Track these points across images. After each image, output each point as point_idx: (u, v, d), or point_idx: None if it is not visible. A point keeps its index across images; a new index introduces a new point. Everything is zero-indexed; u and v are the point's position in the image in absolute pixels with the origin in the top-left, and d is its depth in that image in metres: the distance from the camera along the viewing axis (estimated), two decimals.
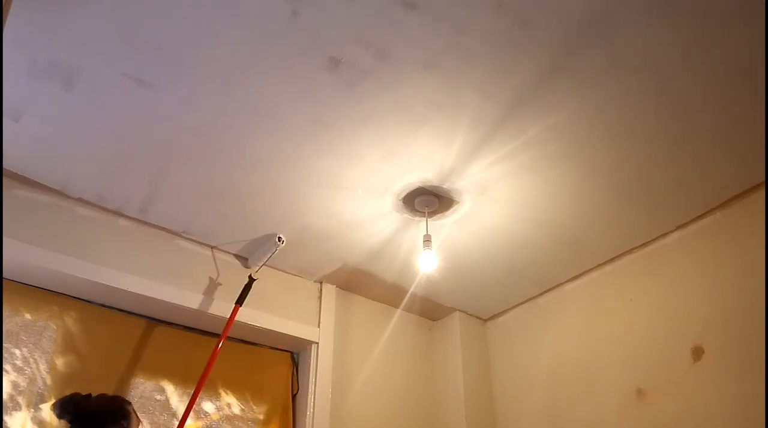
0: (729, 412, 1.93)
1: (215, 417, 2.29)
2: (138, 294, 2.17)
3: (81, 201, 2.17)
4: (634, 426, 2.19)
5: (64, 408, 1.58)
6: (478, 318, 2.97)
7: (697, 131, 1.87)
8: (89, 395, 1.65)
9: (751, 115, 1.81)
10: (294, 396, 2.51)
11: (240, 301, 2.29)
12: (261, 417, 2.38)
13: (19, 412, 1.90)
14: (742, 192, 2.11)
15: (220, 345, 2.17)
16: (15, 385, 1.93)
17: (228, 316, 2.28)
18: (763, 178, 2.05)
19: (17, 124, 1.83)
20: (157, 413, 2.16)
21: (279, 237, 2.31)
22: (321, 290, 2.67)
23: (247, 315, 2.37)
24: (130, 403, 1.69)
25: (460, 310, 2.91)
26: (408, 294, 2.75)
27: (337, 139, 1.91)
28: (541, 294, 2.74)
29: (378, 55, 1.63)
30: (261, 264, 2.40)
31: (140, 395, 2.15)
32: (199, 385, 2.08)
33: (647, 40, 1.58)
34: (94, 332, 2.14)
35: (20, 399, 1.92)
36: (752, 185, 2.09)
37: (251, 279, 2.34)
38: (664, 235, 2.33)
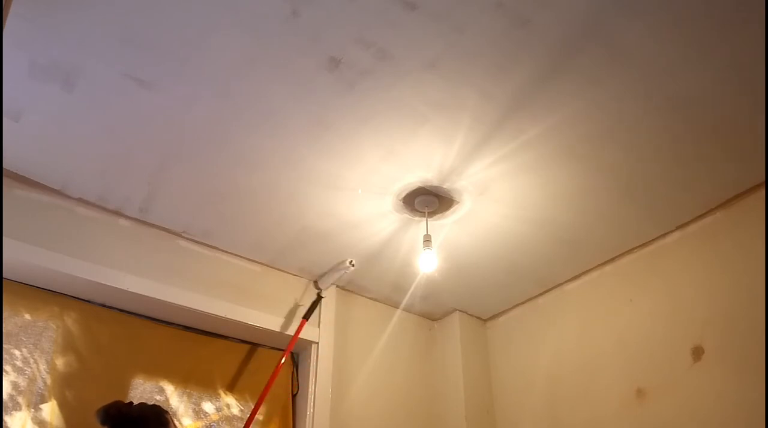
0: (729, 412, 1.93)
1: (215, 417, 2.29)
2: (138, 294, 2.16)
3: (81, 201, 2.17)
4: (634, 426, 2.18)
5: (108, 414, 1.61)
6: (478, 318, 2.97)
7: (697, 131, 1.87)
8: (131, 403, 1.70)
9: (751, 115, 1.81)
10: (294, 396, 2.51)
11: (307, 316, 2.49)
12: (261, 417, 2.38)
13: (19, 412, 1.90)
14: (742, 192, 2.11)
15: (283, 361, 2.37)
16: (15, 385, 1.93)
17: (226, 316, 2.32)
18: (763, 178, 2.05)
19: (17, 124, 1.83)
20: None
21: (350, 261, 2.46)
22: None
23: (247, 315, 2.38)
24: (167, 412, 1.73)
25: (460, 310, 2.91)
26: (408, 294, 2.75)
27: (337, 139, 1.91)
28: (541, 294, 2.74)
29: (378, 55, 1.63)
30: (329, 285, 2.61)
31: (140, 395, 2.14)
32: (260, 399, 2.26)
33: (648, 39, 1.58)
34: (94, 332, 2.14)
35: (20, 399, 1.92)
36: (752, 185, 2.09)
37: (319, 297, 2.58)
38: (664, 235, 2.32)
